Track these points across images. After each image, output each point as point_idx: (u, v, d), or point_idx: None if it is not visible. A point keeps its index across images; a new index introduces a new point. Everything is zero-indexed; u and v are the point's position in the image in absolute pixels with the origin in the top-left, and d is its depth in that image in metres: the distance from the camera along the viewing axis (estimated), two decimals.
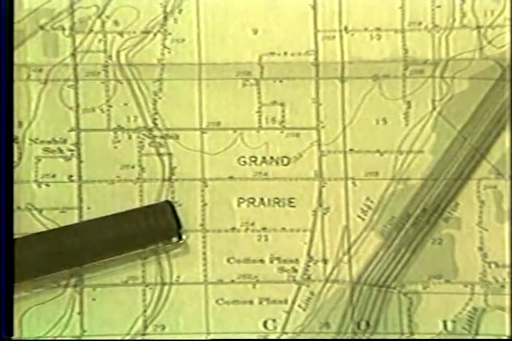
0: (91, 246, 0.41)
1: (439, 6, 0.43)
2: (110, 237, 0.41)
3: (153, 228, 0.41)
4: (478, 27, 0.43)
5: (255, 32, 0.43)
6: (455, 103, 0.43)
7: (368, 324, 0.42)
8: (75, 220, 0.42)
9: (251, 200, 0.43)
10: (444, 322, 0.42)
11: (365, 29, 0.43)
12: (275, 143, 0.43)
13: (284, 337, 0.42)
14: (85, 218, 0.42)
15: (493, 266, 0.42)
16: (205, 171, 0.43)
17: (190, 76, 0.43)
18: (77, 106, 0.43)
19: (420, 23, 0.43)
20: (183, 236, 0.42)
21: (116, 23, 0.43)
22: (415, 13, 0.43)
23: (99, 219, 0.41)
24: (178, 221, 0.41)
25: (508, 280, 0.42)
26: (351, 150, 0.43)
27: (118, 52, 0.43)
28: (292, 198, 0.43)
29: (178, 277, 0.42)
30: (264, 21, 0.43)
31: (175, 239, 0.42)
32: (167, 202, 0.42)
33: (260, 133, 0.43)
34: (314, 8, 0.43)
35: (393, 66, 0.43)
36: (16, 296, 0.41)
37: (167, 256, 0.42)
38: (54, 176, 0.43)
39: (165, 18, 0.43)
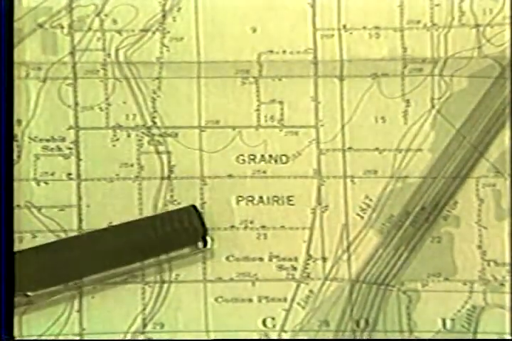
0: (116, 252, 0.41)
1: (437, 5, 0.43)
2: (136, 242, 0.41)
3: (178, 233, 0.41)
4: (477, 25, 0.43)
5: (254, 30, 0.43)
6: (454, 101, 0.43)
7: (367, 322, 0.42)
8: (74, 219, 0.42)
9: (250, 198, 0.43)
10: (443, 320, 0.42)
11: (364, 27, 0.43)
12: (274, 141, 0.43)
13: (283, 335, 0.42)
14: (84, 216, 0.42)
15: (492, 264, 0.42)
16: (204, 169, 0.43)
17: (188, 74, 0.43)
18: (76, 104, 0.43)
19: (419, 22, 0.43)
20: (209, 241, 0.42)
21: (114, 21, 0.43)
22: (414, 11, 0.43)
23: (122, 225, 0.41)
24: (204, 225, 0.41)
25: (508, 278, 0.42)
26: (350, 148, 0.43)
27: (117, 51, 0.43)
28: (291, 196, 0.43)
29: (177, 275, 0.42)
30: (262, 20, 0.43)
31: (200, 244, 0.42)
32: (192, 206, 0.42)
33: (259, 131, 0.43)
34: (313, 6, 0.43)
35: (392, 64, 0.43)
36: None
37: (166, 254, 0.42)
38: (53, 174, 0.43)
39: (164, 17, 0.43)
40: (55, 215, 0.42)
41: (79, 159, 0.43)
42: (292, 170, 0.43)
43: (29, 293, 0.40)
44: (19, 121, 0.43)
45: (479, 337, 0.42)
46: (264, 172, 0.43)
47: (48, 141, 0.43)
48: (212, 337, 0.42)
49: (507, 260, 0.42)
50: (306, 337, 0.42)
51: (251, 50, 0.43)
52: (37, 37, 0.43)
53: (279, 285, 0.43)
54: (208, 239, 0.42)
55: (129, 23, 0.43)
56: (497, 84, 0.43)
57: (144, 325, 0.42)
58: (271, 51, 0.43)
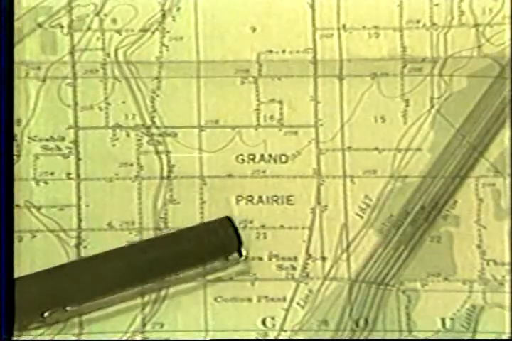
0: (155, 265, 0.41)
1: (437, 4, 0.43)
2: (170, 255, 0.41)
3: (214, 244, 0.41)
4: (477, 25, 0.43)
5: (253, 30, 0.43)
6: (453, 101, 0.43)
7: (366, 322, 0.42)
8: (74, 218, 0.42)
9: (249, 198, 0.43)
10: (443, 319, 0.42)
11: (364, 27, 0.43)
12: (273, 140, 0.43)
13: (282, 334, 0.42)
14: (83, 216, 0.42)
15: (491, 263, 0.42)
16: (204, 169, 0.43)
17: (188, 74, 0.43)
18: (76, 104, 0.43)
19: (418, 21, 0.43)
20: (244, 253, 0.42)
21: (114, 21, 0.43)
22: (413, 11, 0.43)
23: (159, 238, 0.41)
24: (238, 237, 0.41)
25: (507, 278, 0.42)
26: (349, 148, 0.43)
27: (116, 50, 0.43)
28: (291, 196, 0.43)
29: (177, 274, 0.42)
30: (262, 19, 0.43)
31: (236, 256, 0.42)
32: (227, 218, 0.41)
33: (258, 131, 0.43)
34: (312, 6, 0.43)
35: (391, 64, 0.43)
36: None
37: None
38: (52, 174, 0.43)
39: (163, 16, 0.43)
40: (54, 215, 0.42)
41: (78, 159, 0.43)
42: (292, 169, 0.43)
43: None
44: (19, 121, 0.43)
45: (478, 336, 0.42)
46: (264, 171, 0.43)
47: (47, 140, 0.43)
48: (212, 337, 0.42)
49: (506, 259, 0.42)
50: (305, 337, 0.42)
51: (250, 49, 0.43)
52: (36, 36, 0.43)
53: (279, 285, 0.43)
54: (243, 250, 0.42)
55: (128, 22, 0.43)
56: (497, 84, 0.43)
57: (144, 325, 0.42)
58: (270, 51, 0.43)
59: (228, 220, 0.41)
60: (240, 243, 0.41)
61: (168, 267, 0.41)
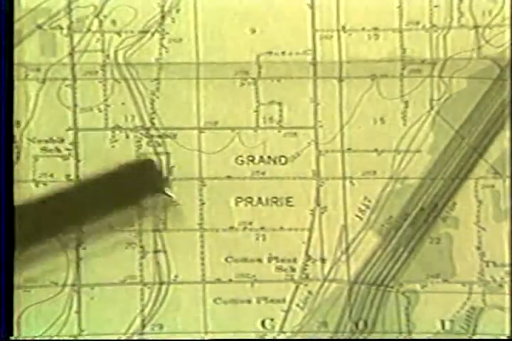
0: (88, 204, 0.41)
1: (436, 6, 0.43)
2: (103, 195, 0.41)
3: (141, 182, 0.41)
4: (476, 26, 0.43)
5: (253, 31, 0.43)
6: (453, 102, 0.43)
7: (365, 323, 0.42)
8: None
9: (249, 199, 0.43)
10: (442, 321, 0.42)
11: (363, 29, 0.43)
12: (273, 142, 0.43)
13: (282, 336, 0.42)
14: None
15: (491, 265, 0.42)
16: (203, 170, 0.43)
17: (187, 75, 0.43)
18: (75, 105, 0.43)
19: (418, 23, 0.43)
20: (170, 193, 0.42)
21: (113, 22, 0.43)
22: (413, 12, 0.43)
23: (90, 179, 0.42)
24: (162, 176, 0.41)
25: (507, 279, 0.42)
26: (349, 149, 0.43)
27: (116, 52, 0.43)
28: (290, 197, 0.43)
29: (176, 276, 0.42)
30: (261, 21, 0.43)
31: (163, 193, 0.42)
32: (150, 160, 0.42)
33: (258, 132, 0.43)
34: (312, 7, 0.43)
35: (391, 65, 0.43)
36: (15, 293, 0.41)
37: (165, 255, 0.42)
38: (52, 175, 0.43)
39: (162, 18, 0.43)
40: None
41: (78, 160, 0.43)
42: (291, 171, 0.43)
43: None
44: (18, 122, 0.43)
45: (478, 338, 0.42)
46: (263, 173, 0.43)
47: (46, 142, 0.43)
48: (211, 338, 0.42)
49: (506, 261, 0.42)
50: (304, 338, 0.42)
51: (250, 51, 0.43)
52: (36, 38, 0.43)
53: (278, 287, 0.43)
54: (168, 191, 0.42)
55: (128, 24, 0.43)
56: (496, 86, 0.43)
57: (143, 326, 0.42)
58: (270, 52, 0.43)
59: (152, 162, 0.41)
60: (164, 184, 0.41)
61: (100, 206, 0.41)
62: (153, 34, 0.43)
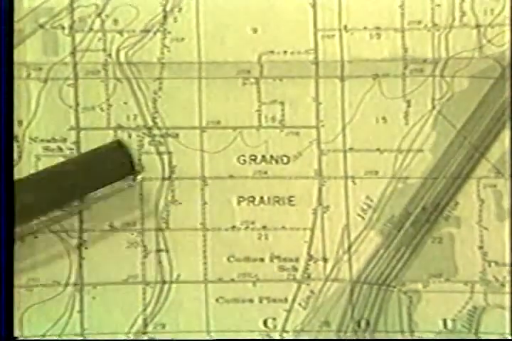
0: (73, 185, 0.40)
1: (438, 5, 0.43)
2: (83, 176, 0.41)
3: (109, 167, 0.41)
4: (478, 26, 0.43)
5: (255, 31, 0.43)
6: (455, 102, 0.43)
7: (368, 322, 0.42)
8: (75, 219, 0.42)
9: (251, 199, 0.43)
10: (444, 320, 0.42)
11: (365, 28, 0.43)
12: (275, 141, 0.43)
13: (284, 335, 0.42)
14: (86, 218, 0.43)
15: (493, 264, 0.42)
16: (205, 170, 0.43)
17: (189, 75, 0.43)
18: (77, 104, 0.43)
19: (420, 22, 0.43)
20: (138, 177, 0.41)
21: (115, 21, 0.43)
22: (415, 12, 0.43)
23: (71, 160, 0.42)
24: (132, 161, 0.41)
25: (508, 278, 0.42)
26: (351, 148, 0.43)
27: (118, 51, 0.43)
28: (292, 197, 0.43)
29: (179, 275, 0.42)
30: (263, 20, 0.43)
31: (131, 179, 0.41)
32: (118, 141, 0.41)
33: (260, 131, 0.43)
34: (314, 7, 0.43)
35: (393, 65, 0.43)
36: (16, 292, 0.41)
37: (167, 255, 0.42)
38: None
39: (165, 17, 0.43)
40: (56, 216, 0.42)
41: None
42: (293, 170, 0.43)
43: None
44: (20, 122, 0.43)
45: (480, 337, 0.42)
46: (265, 172, 0.43)
47: (48, 141, 0.43)
48: (214, 338, 0.42)
49: (508, 260, 0.42)
50: (307, 338, 0.42)
51: (252, 50, 0.43)
52: (38, 37, 0.43)
53: (280, 286, 0.43)
54: (138, 173, 0.41)
55: (130, 23, 0.43)
56: (498, 85, 0.43)
57: (145, 326, 0.42)
58: (272, 51, 0.43)
59: (119, 144, 0.41)
60: (133, 166, 0.41)
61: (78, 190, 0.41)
62: (155, 33, 0.43)
